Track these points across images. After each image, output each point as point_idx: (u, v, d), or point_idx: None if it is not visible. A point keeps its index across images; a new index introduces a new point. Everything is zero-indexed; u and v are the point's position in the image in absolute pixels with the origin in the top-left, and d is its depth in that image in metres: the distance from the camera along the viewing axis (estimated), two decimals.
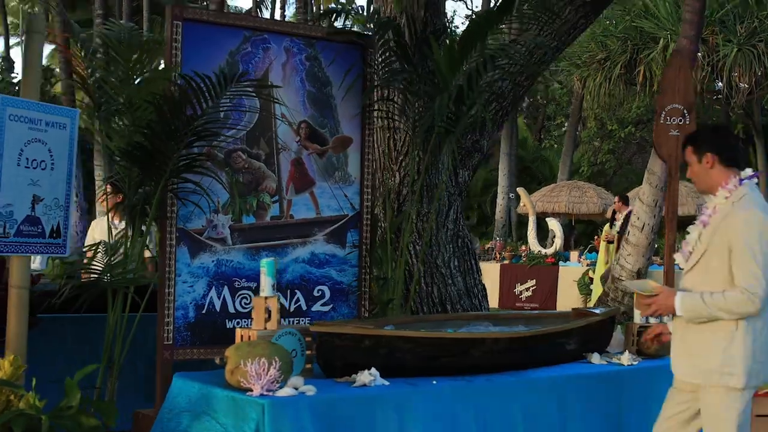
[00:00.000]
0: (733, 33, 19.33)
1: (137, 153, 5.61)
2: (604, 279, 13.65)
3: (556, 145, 36.76)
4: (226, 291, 6.08)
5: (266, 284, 4.64)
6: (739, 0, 19.54)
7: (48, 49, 33.44)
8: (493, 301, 15.21)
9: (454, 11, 38.93)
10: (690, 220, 5.01)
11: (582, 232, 30.40)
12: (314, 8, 37.59)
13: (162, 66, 5.95)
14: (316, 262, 6.45)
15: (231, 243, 6.13)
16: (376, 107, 6.85)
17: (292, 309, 6.33)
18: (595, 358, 5.52)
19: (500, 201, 28.57)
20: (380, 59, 6.58)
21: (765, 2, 19.43)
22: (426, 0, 7.11)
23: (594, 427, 5.10)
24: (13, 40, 43.35)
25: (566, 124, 33.58)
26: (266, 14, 40.31)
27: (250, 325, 5.02)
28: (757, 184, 4.56)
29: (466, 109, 6.28)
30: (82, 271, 6.14)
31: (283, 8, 43.29)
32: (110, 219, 6.57)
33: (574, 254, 18.75)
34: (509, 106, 7.50)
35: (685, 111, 7.67)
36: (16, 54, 43.61)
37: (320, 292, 6.46)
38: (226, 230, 6.11)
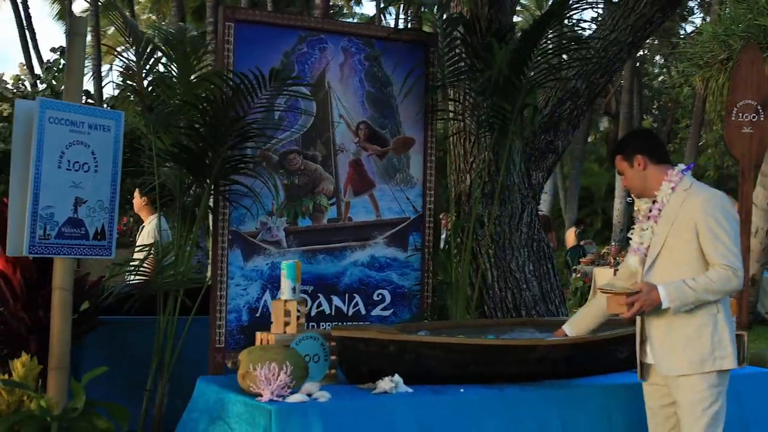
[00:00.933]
0: None
1: (183, 155, 5.58)
2: None
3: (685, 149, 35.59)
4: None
5: (286, 287, 4.53)
6: None
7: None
8: None
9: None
10: None
11: None
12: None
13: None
14: (376, 265, 6.32)
15: (286, 246, 6.04)
16: (439, 107, 6.67)
17: (350, 313, 6.21)
18: None
19: (617, 205, 28.10)
20: (445, 58, 6.40)
21: None
22: None
23: None
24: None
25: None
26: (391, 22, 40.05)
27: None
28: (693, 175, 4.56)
29: (518, 108, 6.06)
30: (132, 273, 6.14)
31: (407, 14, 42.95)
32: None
33: None
34: (584, 105, 7.19)
35: (759, 107, 7.19)
36: None
37: (380, 296, 6.32)
38: (281, 233, 6.04)
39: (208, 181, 5.61)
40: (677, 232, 4.38)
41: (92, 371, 4.19)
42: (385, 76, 6.37)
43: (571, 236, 22.03)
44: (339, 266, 6.19)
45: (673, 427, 4.49)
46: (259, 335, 4.63)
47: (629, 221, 28.45)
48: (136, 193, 7.87)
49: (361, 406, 4.18)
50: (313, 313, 6.08)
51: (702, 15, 37.94)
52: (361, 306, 6.25)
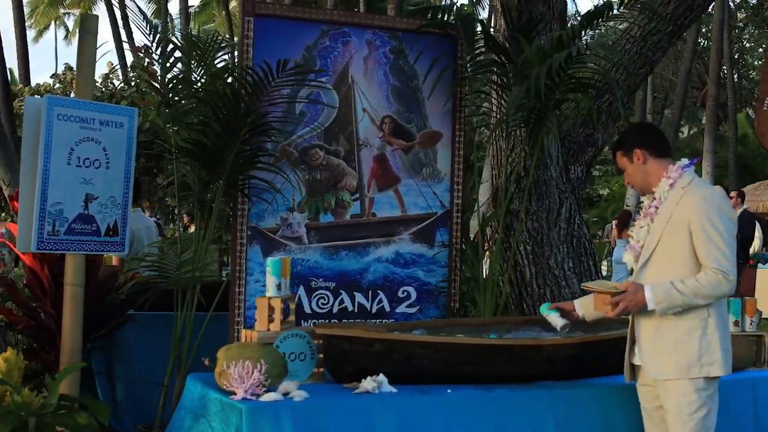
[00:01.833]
0: None
1: (196, 150, 5.59)
2: None
3: None
4: (301, 291, 5.97)
5: (270, 284, 4.47)
6: None
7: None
8: None
9: None
10: None
11: None
12: None
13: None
14: (401, 262, 6.23)
15: (307, 242, 6.01)
16: (468, 101, 6.53)
17: (374, 310, 6.14)
18: None
19: None
20: (475, 50, 6.27)
21: None
22: None
23: None
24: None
25: None
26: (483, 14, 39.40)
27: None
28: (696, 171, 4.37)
29: (552, 104, 5.88)
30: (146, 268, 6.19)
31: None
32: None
33: None
34: (624, 97, 6.95)
35: None
36: None
37: (405, 293, 6.23)
38: (302, 229, 6.00)
39: (221, 176, 5.60)
40: (672, 231, 4.19)
41: (68, 368, 4.20)
42: (411, 70, 6.27)
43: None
44: (362, 262, 6.12)
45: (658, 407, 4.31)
46: (244, 332, 4.60)
47: None
48: None
49: (339, 405, 4.09)
50: (335, 310, 6.04)
51: None
52: (385, 303, 6.17)
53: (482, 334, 4.88)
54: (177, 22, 40.87)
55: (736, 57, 37.87)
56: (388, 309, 6.16)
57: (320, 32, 6.05)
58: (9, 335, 6.37)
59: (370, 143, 6.17)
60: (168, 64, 5.94)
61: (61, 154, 5.08)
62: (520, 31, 6.08)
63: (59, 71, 27.52)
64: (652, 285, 4.17)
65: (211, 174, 5.73)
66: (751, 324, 5.38)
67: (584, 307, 4.61)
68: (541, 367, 4.55)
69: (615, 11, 6.17)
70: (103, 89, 18.87)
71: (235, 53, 6.14)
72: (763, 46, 41.42)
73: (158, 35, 5.93)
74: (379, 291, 6.15)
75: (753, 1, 39.26)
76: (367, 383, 4.21)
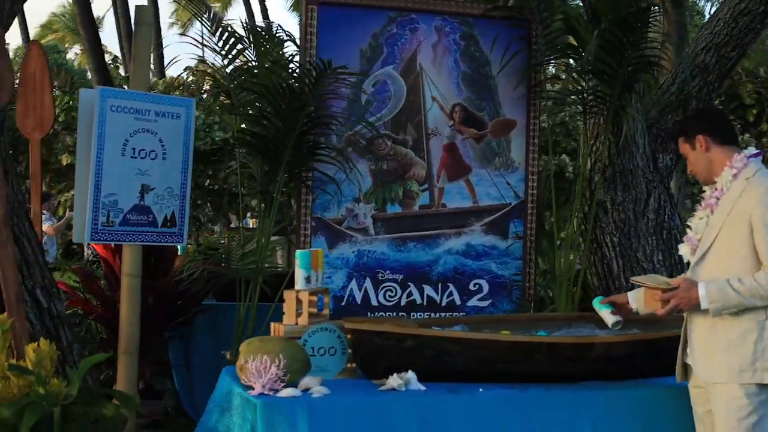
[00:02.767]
0: None
1: (255, 142, 5.55)
2: None
3: None
4: (368, 283, 5.86)
5: (299, 276, 4.36)
6: None
7: None
8: None
9: None
10: None
11: None
12: None
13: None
14: (472, 253, 6.04)
15: (374, 233, 5.89)
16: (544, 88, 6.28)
17: (444, 303, 5.98)
18: None
19: None
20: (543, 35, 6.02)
21: None
22: None
23: None
24: None
25: None
26: None
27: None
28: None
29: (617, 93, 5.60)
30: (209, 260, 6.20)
31: None
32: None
33: None
34: (715, 81, 6.55)
35: None
36: None
37: (477, 285, 6.04)
38: (369, 220, 5.89)
39: (281, 167, 5.55)
40: (732, 224, 3.87)
41: (90, 358, 4.20)
42: (483, 56, 6.07)
43: None
44: (431, 254, 5.97)
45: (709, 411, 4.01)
46: (273, 326, 4.50)
47: None
48: None
49: (358, 402, 3.94)
50: (403, 303, 5.91)
51: None
52: (455, 296, 5.99)
53: (531, 331, 4.65)
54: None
55: None
56: (458, 302, 5.99)
57: (387, 19, 5.92)
58: (88, 324, 6.48)
59: (440, 132, 6.01)
60: (230, 56, 5.87)
61: (114, 146, 5.10)
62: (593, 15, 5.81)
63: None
64: (706, 282, 3.87)
65: (270, 166, 5.67)
66: None
67: (637, 300, 4.35)
68: (583, 367, 4.30)
69: None
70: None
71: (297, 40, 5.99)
72: None
73: (220, 26, 5.88)
74: (449, 283, 5.99)
75: None
76: (393, 380, 4.06)
